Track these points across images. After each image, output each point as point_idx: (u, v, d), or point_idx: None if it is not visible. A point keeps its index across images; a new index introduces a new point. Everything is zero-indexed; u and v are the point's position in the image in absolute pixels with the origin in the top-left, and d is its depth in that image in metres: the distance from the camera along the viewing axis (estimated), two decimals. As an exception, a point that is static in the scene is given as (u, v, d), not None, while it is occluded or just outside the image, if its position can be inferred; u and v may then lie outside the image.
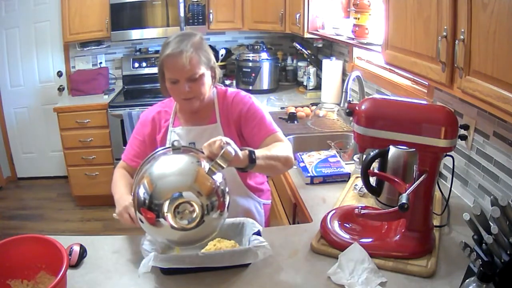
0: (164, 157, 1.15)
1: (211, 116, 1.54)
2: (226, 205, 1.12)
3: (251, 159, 1.20)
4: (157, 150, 1.21)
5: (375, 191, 1.50)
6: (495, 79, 0.95)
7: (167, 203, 1.03)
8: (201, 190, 1.06)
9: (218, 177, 1.09)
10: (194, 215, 1.05)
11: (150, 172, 1.09)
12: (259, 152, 1.24)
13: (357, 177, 1.74)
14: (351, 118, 1.26)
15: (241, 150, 1.17)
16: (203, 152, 1.15)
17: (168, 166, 1.12)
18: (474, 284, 0.92)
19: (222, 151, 1.09)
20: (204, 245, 1.26)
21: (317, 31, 2.79)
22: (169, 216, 1.04)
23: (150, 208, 1.05)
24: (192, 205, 1.04)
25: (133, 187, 1.12)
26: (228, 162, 1.10)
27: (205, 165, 1.10)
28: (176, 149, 1.14)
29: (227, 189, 1.12)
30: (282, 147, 1.39)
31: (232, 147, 1.12)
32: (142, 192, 1.07)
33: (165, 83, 1.46)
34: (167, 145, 1.51)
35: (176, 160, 1.13)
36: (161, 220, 1.05)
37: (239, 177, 1.55)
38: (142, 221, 1.08)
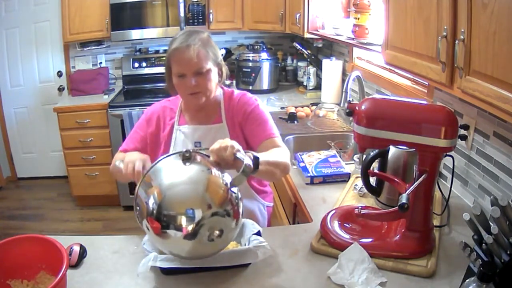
0: (172, 165, 1.10)
1: (217, 116, 1.54)
2: (241, 213, 1.09)
3: (255, 165, 1.16)
4: (164, 156, 1.15)
5: (375, 191, 1.50)
6: (495, 79, 0.95)
7: (182, 216, 0.99)
8: (214, 199, 1.03)
9: (228, 180, 1.07)
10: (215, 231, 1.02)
11: (159, 183, 1.05)
12: (262, 157, 1.21)
13: (357, 177, 1.74)
14: (351, 118, 1.26)
15: (245, 153, 1.16)
16: (208, 156, 1.12)
17: (177, 175, 1.07)
18: (474, 284, 0.92)
19: (244, 165, 1.07)
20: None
21: (317, 31, 2.79)
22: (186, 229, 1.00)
23: (158, 218, 1.01)
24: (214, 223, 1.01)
25: (137, 193, 1.09)
26: (248, 176, 1.08)
27: (215, 172, 1.07)
28: (186, 159, 1.08)
29: (239, 195, 1.10)
30: (282, 154, 1.39)
31: (242, 154, 1.11)
32: (151, 202, 1.03)
33: (171, 79, 1.46)
34: (172, 142, 1.51)
35: (185, 168, 1.08)
36: (168, 231, 1.01)
37: None
38: (148, 229, 1.05)
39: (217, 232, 1.03)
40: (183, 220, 1.00)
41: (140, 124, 1.57)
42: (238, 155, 1.10)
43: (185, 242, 1.02)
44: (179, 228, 1.00)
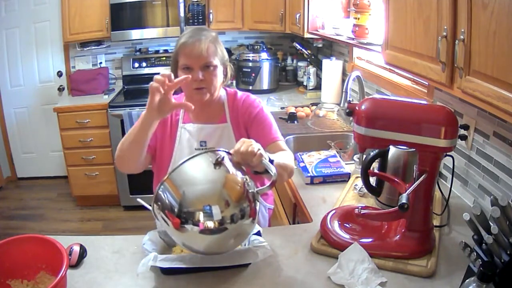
0: (199, 166, 1.09)
1: (221, 115, 1.54)
2: (257, 212, 1.10)
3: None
4: (190, 156, 1.11)
5: (375, 191, 1.50)
6: (495, 79, 0.95)
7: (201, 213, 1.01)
8: (231, 196, 1.04)
9: (253, 187, 1.09)
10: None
11: (185, 183, 1.06)
12: (275, 160, 1.20)
13: (357, 177, 1.74)
14: (351, 118, 1.26)
15: None
16: (229, 153, 1.12)
17: (197, 173, 1.08)
18: (474, 284, 0.92)
19: (274, 175, 1.06)
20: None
21: (317, 31, 2.79)
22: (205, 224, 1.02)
23: (179, 216, 1.03)
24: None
25: (157, 191, 1.08)
26: (274, 186, 1.09)
27: (241, 176, 1.08)
28: (218, 164, 1.07)
29: (259, 197, 1.10)
30: (289, 157, 1.41)
31: (267, 162, 1.11)
32: (171, 199, 1.04)
33: (177, 75, 1.44)
34: (177, 139, 1.51)
35: (206, 167, 1.08)
36: (187, 226, 1.02)
37: None
38: (167, 223, 1.05)
39: (235, 233, 1.05)
40: (207, 222, 1.02)
41: None
42: (264, 162, 1.10)
43: (203, 238, 1.04)
44: (204, 231, 1.02)
